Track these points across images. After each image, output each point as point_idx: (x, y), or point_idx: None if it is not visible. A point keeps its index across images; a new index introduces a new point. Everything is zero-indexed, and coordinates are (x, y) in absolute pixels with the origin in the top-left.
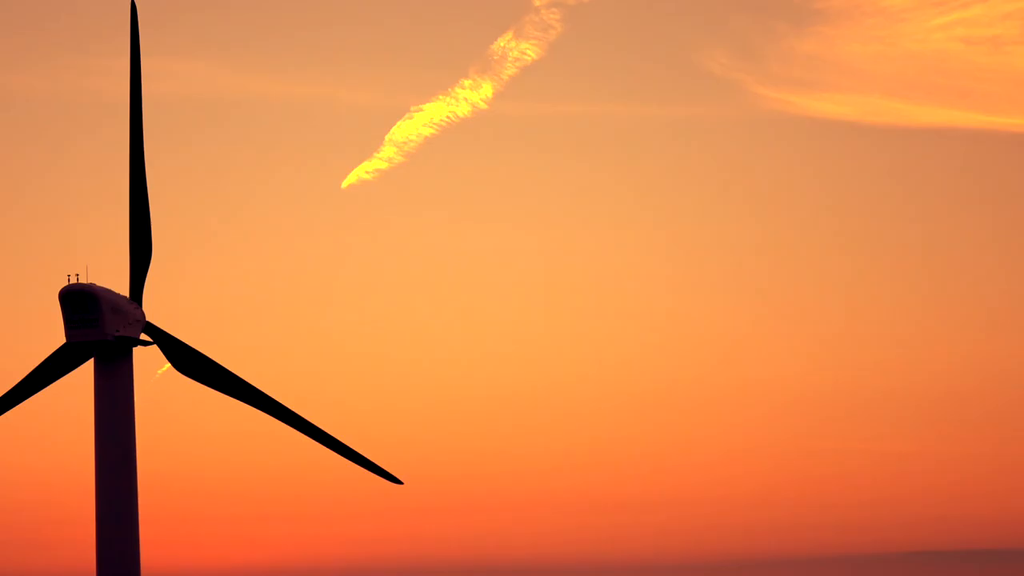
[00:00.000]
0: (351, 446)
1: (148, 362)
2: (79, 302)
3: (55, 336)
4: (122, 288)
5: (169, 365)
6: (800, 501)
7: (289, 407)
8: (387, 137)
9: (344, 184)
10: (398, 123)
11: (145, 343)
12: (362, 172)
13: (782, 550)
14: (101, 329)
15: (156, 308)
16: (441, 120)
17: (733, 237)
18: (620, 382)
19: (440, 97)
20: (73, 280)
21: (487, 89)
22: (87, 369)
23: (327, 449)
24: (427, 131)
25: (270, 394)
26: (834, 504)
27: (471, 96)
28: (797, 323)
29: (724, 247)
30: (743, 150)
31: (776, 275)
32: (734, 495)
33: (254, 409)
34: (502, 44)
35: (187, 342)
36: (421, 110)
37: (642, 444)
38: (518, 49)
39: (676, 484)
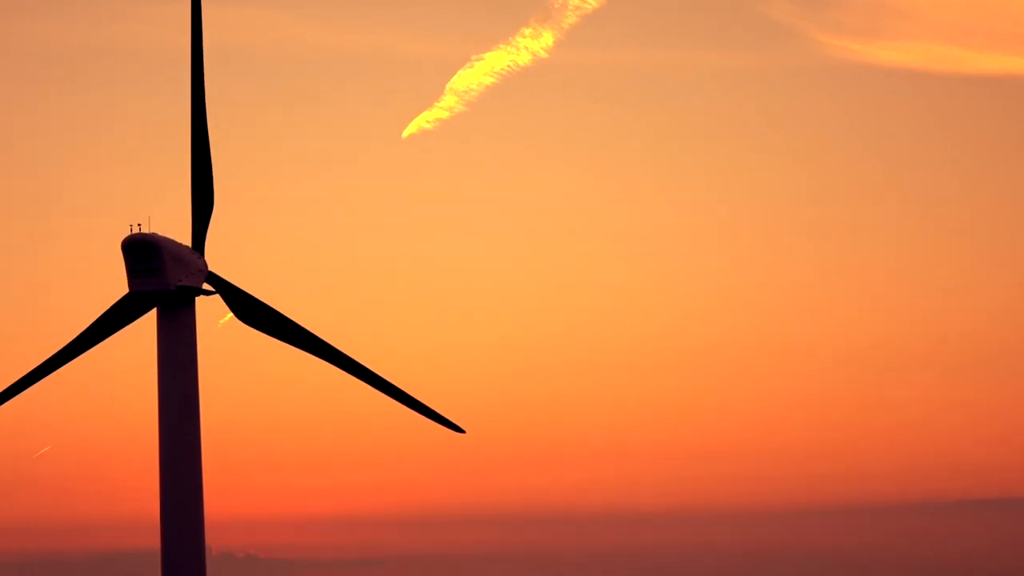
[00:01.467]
0: (414, 395)
1: (210, 312)
2: (141, 252)
3: (118, 286)
4: (184, 238)
5: (231, 315)
6: (864, 451)
7: (351, 356)
8: (448, 86)
9: (405, 134)
10: (458, 72)
11: (207, 293)
12: (423, 122)
13: (847, 499)
14: (163, 279)
15: (218, 258)
16: (502, 69)
17: (792, 186)
18: (683, 333)
19: (500, 46)
20: (135, 230)
21: (548, 38)
22: (150, 319)
23: (390, 398)
24: (488, 80)
25: (332, 343)
26: (899, 453)
27: (532, 45)
28: (856, 273)
29: (783, 196)
30: (804, 98)
31: (837, 225)
32: (796, 446)
33: (316, 358)
34: None
35: (249, 292)
36: (482, 59)
37: (705, 395)
38: None
39: (740, 435)
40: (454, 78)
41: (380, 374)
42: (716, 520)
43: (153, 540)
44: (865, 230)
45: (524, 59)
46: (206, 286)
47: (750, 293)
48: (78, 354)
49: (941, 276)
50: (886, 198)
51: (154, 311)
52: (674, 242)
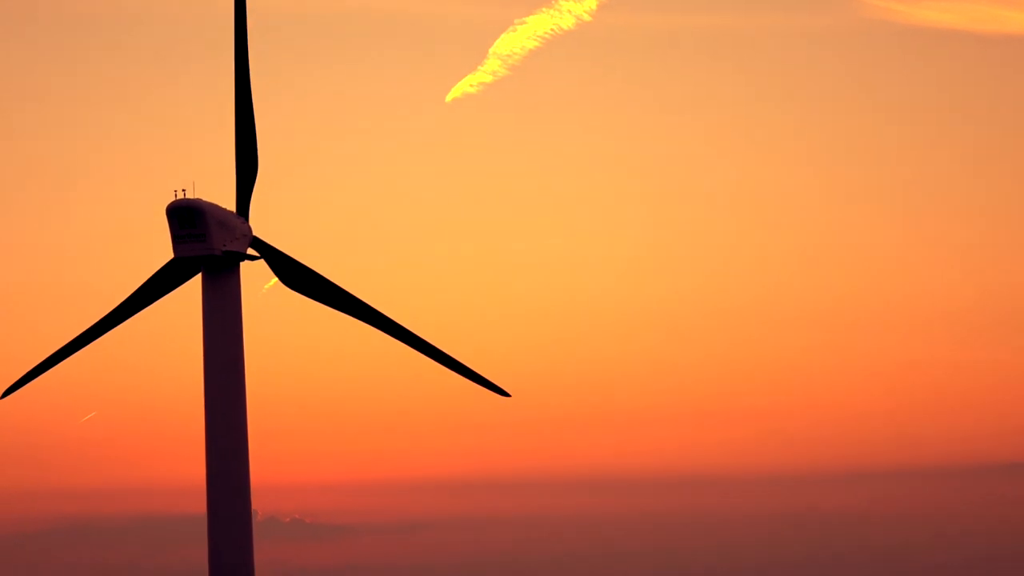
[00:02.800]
0: (457, 358)
1: (255, 277)
2: (186, 217)
3: (163, 251)
4: (228, 203)
5: (276, 280)
6: (951, 412)
7: (394, 319)
8: (491, 50)
9: (448, 98)
10: (502, 36)
11: (252, 258)
12: (466, 86)
13: (932, 461)
14: (208, 244)
15: (262, 222)
16: (545, 33)
17: (846, 146)
18: (732, 295)
19: (544, 10)
20: (180, 195)
21: (590, 1)
22: (194, 284)
23: (434, 362)
24: (531, 44)
25: (376, 307)
26: (988, 414)
27: (575, 8)
28: (912, 232)
29: (834, 156)
30: (848, 59)
31: (893, 183)
32: (852, 409)
33: (360, 322)
34: None
35: (293, 256)
36: (525, 23)
37: (750, 357)
38: None
39: (788, 397)
40: (497, 42)
41: (424, 337)
42: (761, 483)
43: (199, 505)
44: (921, 188)
45: (567, 23)
46: (251, 251)
47: (801, 254)
48: (123, 320)
49: (993, 235)
50: (937, 156)
51: (199, 276)
52: (721, 203)
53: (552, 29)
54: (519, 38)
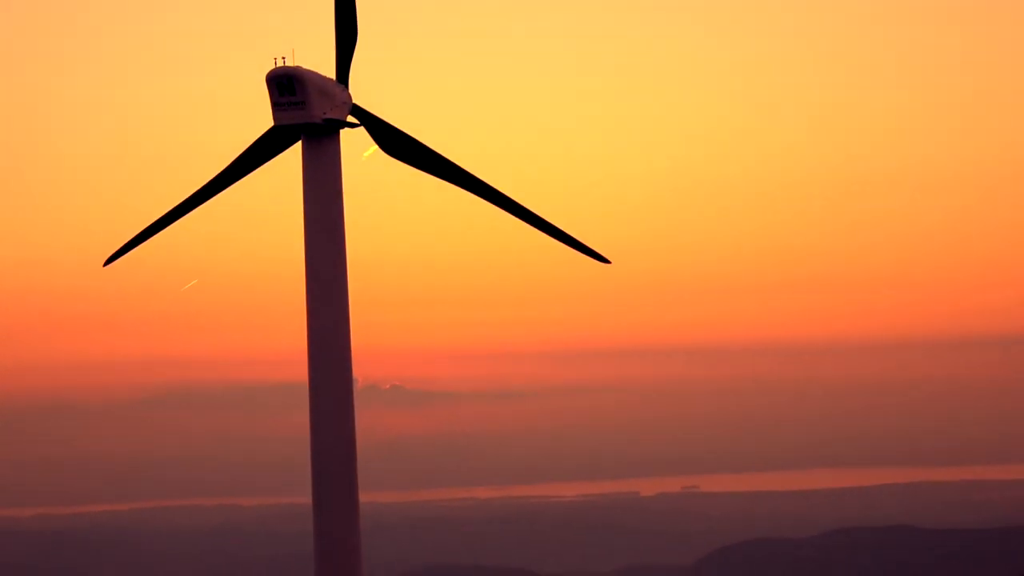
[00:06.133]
0: (559, 225)
1: (355, 145)
2: (286, 85)
3: (263, 119)
4: (328, 70)
5: (376, 147)
6: None
7: (495, 186)
8: None
9: None
10: None
11: (352, 125)
12: None
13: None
14: (308, 111)
15: (362, 90)
16: None
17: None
18: (835, 165)
19: None
20: (279, 63)
21: None
22: (294, 153)
23: (534, 229)
24: None
25: (476, 174)
26: None
27: None
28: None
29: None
30: None
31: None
32: (968, 272)
33: (460, 190)
34: None
35: (393, 124)
36: None
37: (854, 226)
38: None
39: (897, 264)
40: None
41: (525, 204)
42: (863, 350)
43: (300, 373)
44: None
45: None
46: (350, 118)
47: (908, 119)
48: (223, 188)
49: None
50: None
51: (299, 144)
52: (824, 72)
53: None
54: None
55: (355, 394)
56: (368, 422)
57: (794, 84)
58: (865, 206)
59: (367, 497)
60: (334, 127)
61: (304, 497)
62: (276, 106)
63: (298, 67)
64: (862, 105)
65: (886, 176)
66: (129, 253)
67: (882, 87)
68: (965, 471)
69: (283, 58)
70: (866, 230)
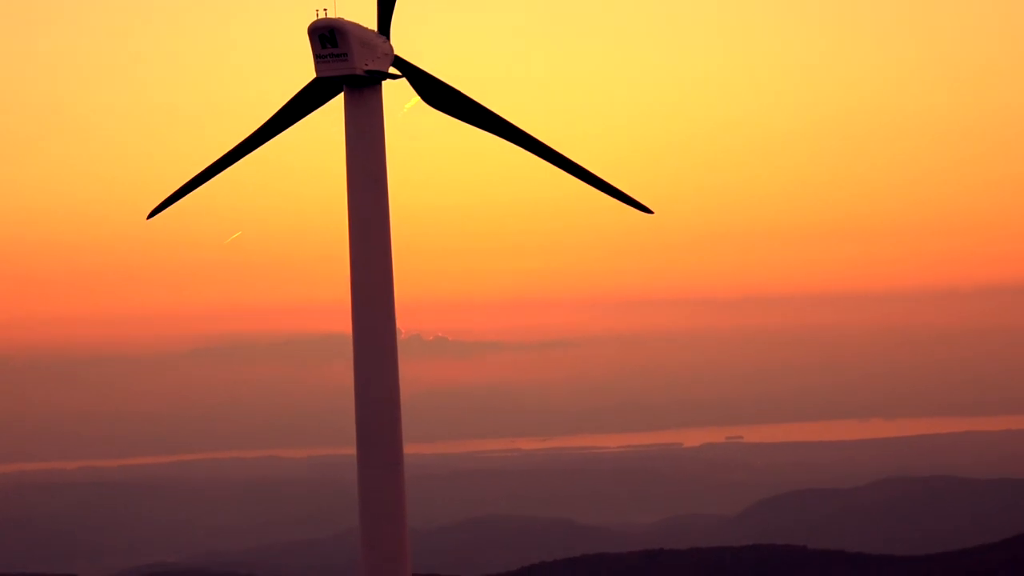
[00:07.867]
0: (600, 176)
1: (397, 97)
2: (328, 36)
3: (305, 71)
4: (370, 22)
5: (418, 99)
6: None
7: (538, 137)
8: None
9: None
10: None
11: (394, 77)
12: None
13: None
14: (350, 63)
15: (404, 42)
16: None
17: None
18: (885, 112)
19: None
20: (321, 15)
21: None
22: (337, 104)
23: (576, 179)
24: None
25: (518, 125)
26: None
27: None
28: None
29: None
30: None
31: None
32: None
33: (502, 140)
34: None
35: (435, 75)
36: None
37: (903, 174)
38: None
39: (970, 215)
40: None
41: (566, 155)
42: (910, 299)
43: (344, 324)
44: None
45: None
46: (392, 70)
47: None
48: (265, 140)
49: None
50: None
51: (341, 96)
52: (876, 18)
53: None
54: None
55: (399, 345)
56: (411, 373)
57: (848, 32)
58: (918, 155)
59: (411, 449)
60: (376, 79)
61: (348, 448)
62: (318, 58)
63: (340, 19)
64: (920, 56)
65: (945, 126)
66: (173, 206)
67: (948, 42)
68: (1012, 420)
69: (325, 10)
70: (918, 179)
